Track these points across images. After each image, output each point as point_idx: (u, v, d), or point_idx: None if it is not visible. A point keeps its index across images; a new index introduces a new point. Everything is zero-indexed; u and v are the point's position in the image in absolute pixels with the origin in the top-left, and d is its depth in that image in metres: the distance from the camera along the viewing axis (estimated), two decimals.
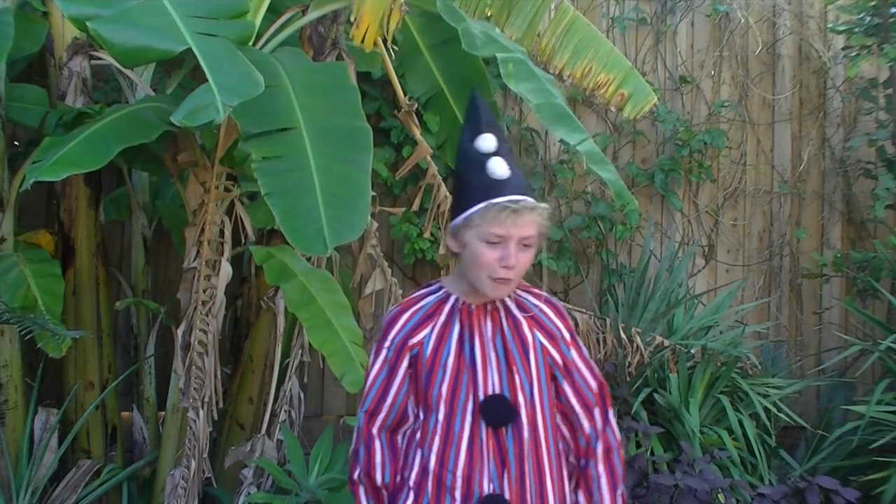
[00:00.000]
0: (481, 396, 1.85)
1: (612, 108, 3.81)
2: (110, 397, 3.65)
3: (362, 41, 2.95)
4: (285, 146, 2.72)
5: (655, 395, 3.78)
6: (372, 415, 1.92)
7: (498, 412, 1.85)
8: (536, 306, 1.96)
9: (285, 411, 3.48)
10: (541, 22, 3.71)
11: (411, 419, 1.92)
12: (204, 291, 3.13)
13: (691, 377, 3.85)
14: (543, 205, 1.85)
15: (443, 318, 1.91)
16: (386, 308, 3.82)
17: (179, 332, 3.13)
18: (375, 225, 3.70)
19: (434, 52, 3.89)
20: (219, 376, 3.22)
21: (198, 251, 3.15)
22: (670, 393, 3.78)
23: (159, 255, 4.47)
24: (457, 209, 1.87)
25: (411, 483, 1.88)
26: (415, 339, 1.90)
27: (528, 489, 1.85)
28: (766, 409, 3.88)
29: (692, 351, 4.00)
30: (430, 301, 1.94)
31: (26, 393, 3.46)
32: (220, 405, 3.24)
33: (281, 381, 3.50)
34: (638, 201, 4.39)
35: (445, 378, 1.86)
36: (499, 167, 1.83)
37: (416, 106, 3.76)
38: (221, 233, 3.21)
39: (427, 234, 4.09)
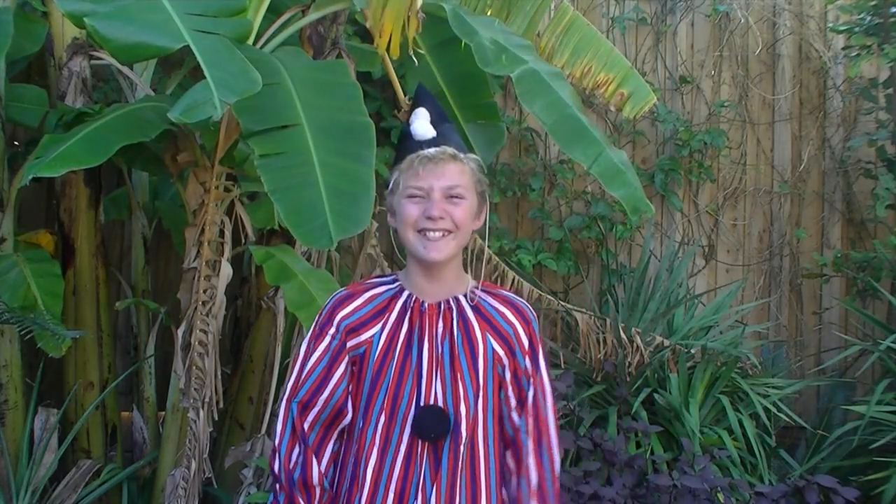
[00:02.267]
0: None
1: (612, 108, 3.81)
2: (110, 397, 3.65)
3: (388, 49, 2.95)
4: (287, 143, 2.72)
5: (655, 395, 3.78)
6: (305, 407, 1.73)
7: (432, 426, 1.70)
8: (495, 308, 1.79)
9: None
10: (540, 21, 3.72)
11: (349, 416, 1.74)
12: (204, 291, 3.13)
13: (691, 377, 3.85)
14: (471, 155, 1.75)
15: (394, 315, 1.75)
16: None
17: (179, 332, 3.13)
18: (375, 225, 3.70)
19: (434, 53, 3.89)
20: (219, 376, 3.22)
21: (198, 251, 3.15)
22: (670, 393, 3.78)
23: (159, 255, 4.47)
24: (388, 181, 1.78)
25: (343, 493, 1.74)
26: (363, 336, 1.73)
27: None
28: (766, 409, 3.88)
29: (692, 351, 4.00)
30: (382, 293, 1.78)
31: (26, 393, 3.46)
32: (220, 405, 3.24)
33: (281, 381, 3.50)
34: None
35: (389, 385, 1.71)
36: (420, 128, 1.73)
37: None
38: (221, 233, 3.21)
39: None
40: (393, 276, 1.83)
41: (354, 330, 1.74)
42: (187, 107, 2.42)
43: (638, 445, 3.65)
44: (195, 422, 3.09)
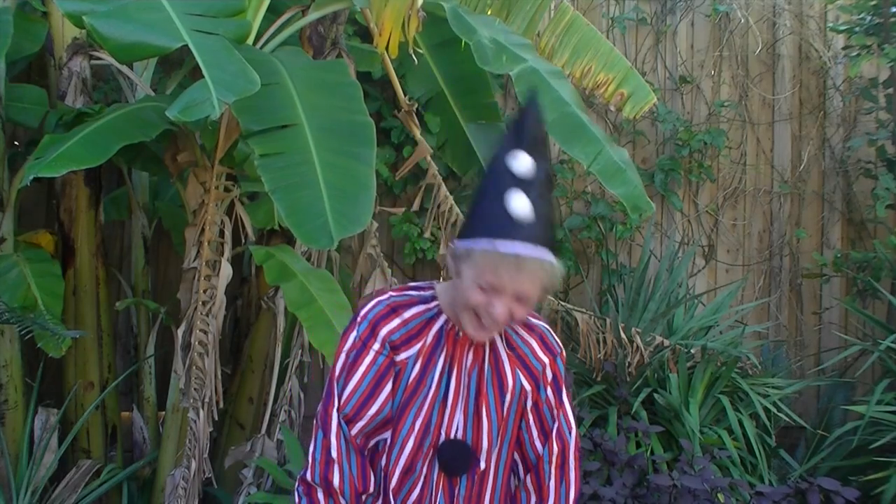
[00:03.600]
0: (442, 437, 1.68)
1: (612, 108, 3.81)
2: (110, 397, 3.65)
3: (387, 48, 2.96)
4: (287, 142, 2.72)
5: (655, 395, 3.78)
6: (350, 421, 1.67)
7: (457, 461, 1.69)
8: (525, 342, 1.77)
9: (285, 411, 3.48)
10: (540, 21, 3.72)
11: (391, 428, 1.71)
12: (204, 291, 3.13)
13: (691, 377, 3.85)
14: (553, 260, 1.60)
15: (429, 339, 1.70)
16: None
17: (179, 332, 3.13)
18: (375, 225, 3.70)
19: (435, 53, 3.90)
20: (219, 376, 3.22)
21: (198, 251, 3.15)
22: (670, 393, 3.78)
23: (159, 255, 4.47)
24: (465, 227, 1.65)
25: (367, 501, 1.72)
26: (401, 356, 1.69)
27: None
28: (766, 409, 3.88)
29: (692, 351, 4.00)
30: (423, 313, 1.72)
31: (26, 393, 3.46)
32: (220, 405, 3.24)
33: (281, 381, 3.50)
34: None
35: (422, 412, 1.68)
36: (520, 205, 1.56)
37: (416, 106, 3.77)
38: (221, 233, 3.21)
39: (427, 234, 4.09)
40: (431, 292, 1.75)
41: (395, 348, 1.69)
42: (185, 105, 2.42)
43: (638, 445, 3.65)
44: (195, 422, 3.09)
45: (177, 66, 3.79)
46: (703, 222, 4.90)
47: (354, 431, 1.68)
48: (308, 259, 3.48)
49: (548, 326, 1.83)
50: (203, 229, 3.15)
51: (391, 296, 1.74)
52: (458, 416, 1.70)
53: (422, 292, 1.76)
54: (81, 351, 3.54)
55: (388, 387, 1.69)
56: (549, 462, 1.81)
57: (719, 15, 4.90)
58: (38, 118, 3.64)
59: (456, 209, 3.88)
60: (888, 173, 4.53)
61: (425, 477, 1.70)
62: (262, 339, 3.64)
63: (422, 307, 1.73)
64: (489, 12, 3.65)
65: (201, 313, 3.12)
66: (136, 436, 3.75)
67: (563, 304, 4.13)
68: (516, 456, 1.82)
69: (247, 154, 3.25)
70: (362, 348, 1.69)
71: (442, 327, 1.71)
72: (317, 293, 3.11)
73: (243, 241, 3.39)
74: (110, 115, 3.08)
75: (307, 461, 1.72)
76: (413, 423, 1.68)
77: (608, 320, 3.98)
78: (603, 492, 3.18)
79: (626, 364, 3.87)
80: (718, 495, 3.26)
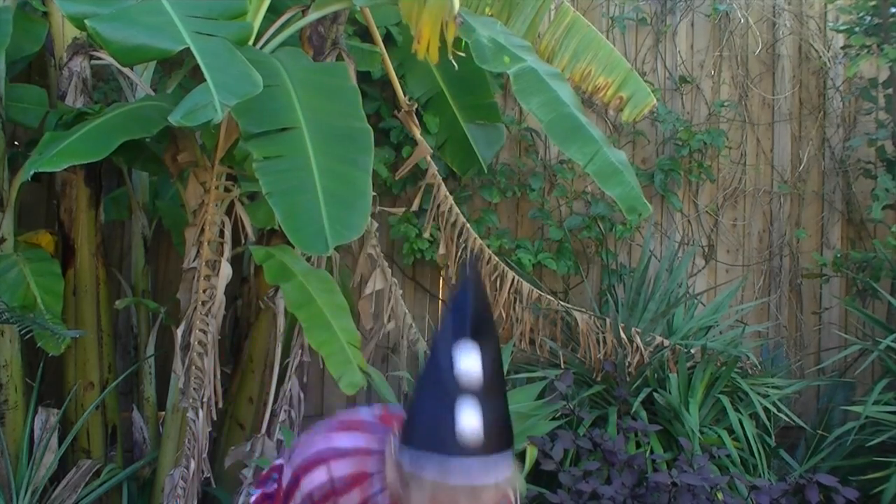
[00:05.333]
0: None
1: (612, 112, 3.81)
2: (110, 397, 3.65)
3: (426, 55, 2.96)
4: (286, 146, 2.73)
5: (655, 395, 3.78)
6: None
7: None
8: None
9: (285, 411, 3.48)
10: (541, 23, 3.72)
11: None
12: (204, 291, 3.14)
13: (691, 377, 3.85)
14: (509, 469, 1.45)
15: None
16: (385, 309, 3.83)
17: (179, 332, 3.14)
18: (375, 225, 3.71)
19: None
20: (218, 376, 3.22)
21: (198, 251, 3.16)
22: (670, 393, 3.78)
23: (159, 255, 4.46)
24: (409, 430, 1.46)
25: None
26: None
27: None
28: (766, 409, 3.88)
29: (692, 351, 4.00)
30: (376, 491, 1.58)
31: (26, 393, 3.46)
32: (220, 405, 3.24)
33: (281, 381, 3.51)
34: None
35: None
36: (470, 423, 1.40)
37: (415, 106, 3.76)
38: (221, 233, 3.22)
39: (426, 235, 4.09)
40: (380, 472, 1.57)
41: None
42: (188, 110, 2.43)
43: (638, 445, 3.65)
44: (195, 422, 3.09)
45: (177, 66, 3.79)
46: (703, 222, 4.90)
47: None
48: (308, 259, 3.48)
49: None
50: (203, 229, 3.15)
51: (332, 478, 1.60)
52: None
53: (366, 461, 1.60)
54: (81, 351, 3.54)
55: None
56: None
57: (719, 15, 4.90)
58: (38, 118, 3.64)
59: (456, 209, 3.89)
60: (886, 174, 4.52)
61: None
62: (262, 339, 3.64)
63: (378, 486, 1.58)
64: (489, 13, 3.64)
65: (201, 313, 3.12)
66: (136, 436, 3.75)
67: (563, 304, 4.13)
68: None
69: (247, 153, 3.25)
70: None
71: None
72: (315, 293, 3.11)
73: (243, 241, 3.39)
74: (111, 113, 3.09)
75: None
76: None
77: (608, 320, 3.98)
78: (602, 490, 3.18)
79: (626, 364, 3.87)
80: (717, 494, 3.26)
